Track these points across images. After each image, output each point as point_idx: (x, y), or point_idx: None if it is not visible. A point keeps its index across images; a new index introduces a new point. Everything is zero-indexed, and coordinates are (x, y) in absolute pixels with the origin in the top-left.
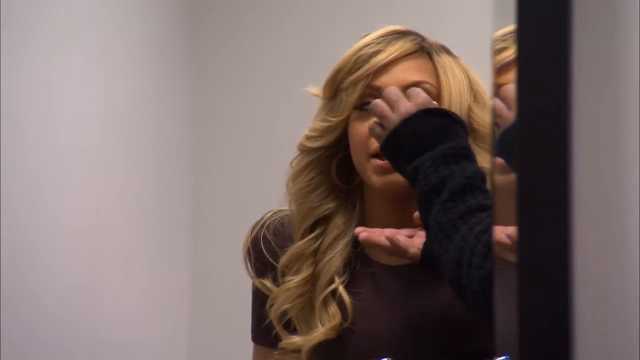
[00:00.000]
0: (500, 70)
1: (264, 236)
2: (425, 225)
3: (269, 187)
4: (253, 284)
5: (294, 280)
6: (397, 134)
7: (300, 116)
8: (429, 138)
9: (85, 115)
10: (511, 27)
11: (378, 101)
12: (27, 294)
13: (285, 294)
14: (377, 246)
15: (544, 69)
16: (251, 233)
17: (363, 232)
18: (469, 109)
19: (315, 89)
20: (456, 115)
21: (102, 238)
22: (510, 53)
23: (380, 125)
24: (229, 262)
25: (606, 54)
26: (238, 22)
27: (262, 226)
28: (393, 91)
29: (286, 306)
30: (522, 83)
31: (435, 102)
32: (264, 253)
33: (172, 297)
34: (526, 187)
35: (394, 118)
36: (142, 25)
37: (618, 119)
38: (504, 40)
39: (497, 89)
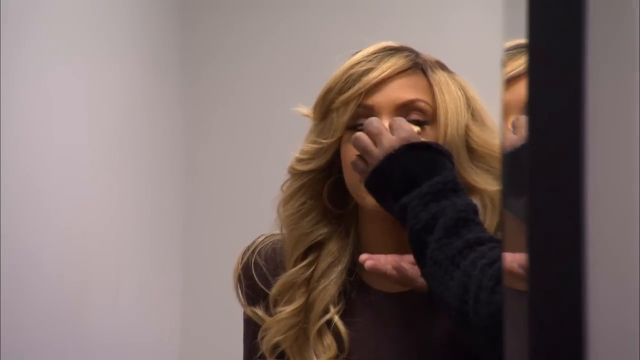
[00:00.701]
0: (509, 81)
1: (256, 262)
2: (418, 264)
3: (262, 203)
4: (244, 312)
5: (286, 310)
6: (381, 171)
7: (296, 127)
8: (415, 174)
9: (75, 119)
10: (521, 39)
11: (360, 135)
12: (20, 295)
13: (277, 325)
14: (383, 275)
15: (557, 84)
16: (242, 259)
17: (369, 260)
18: (467, 127)
19: (306, 109)
20: (441, 147)
21: (92, 247)
22: (518, 64)
23: (364, 160)
24: (220, 277)
25: (623, 68)
26: (231, 26)
27: (253, 252)
28: (375, 124)
29: (279, 338)
30: (533, 100)
31: (420, 137)
32: (256, 280)
33: (164, 304)
34: (537, 212)
35: (377, 154)
36: (134, 30)
37: (636, 137)
38: (512, 53)
39: (505, 105)
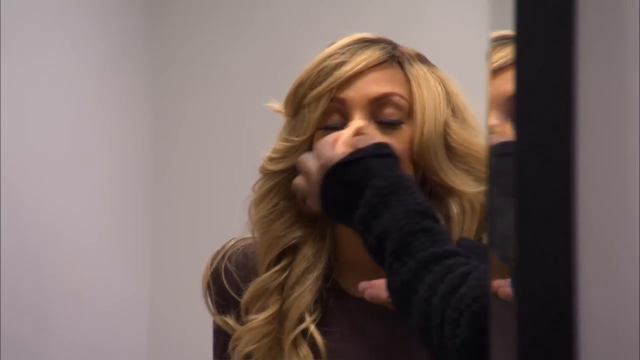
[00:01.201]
0: (495, 72)
1: (226, 268)
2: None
3: (233, 205)
4: (214, 321)
5: (258, 318)
6: (326, 210)
7: (270, 123)
8: (348, 199)
9: (37, 117)
10: (508, 30)
11: (297, 180)
12: None
13: (249, 334)
14: (386, 304)
15: (545, 78)
16: (211, 264)
17: (369, 290)
18: (446, 124)
19: (278, 104)
20: (362, 151)
21: (53, 251)
22: (501, 55)
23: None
24: (189, 283)
25: (615, 61)
26: (200, 18)
27: (223, 257)
28: (301, 162)
29: (251, 348)
30: (520, 95)
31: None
32: (226, 287)
33: (130, 310)
34: (526, 214)
35: (313, 192)
36: (99, 22)
37: (627, 134)
38: (497, 44)
39: (492, 99)
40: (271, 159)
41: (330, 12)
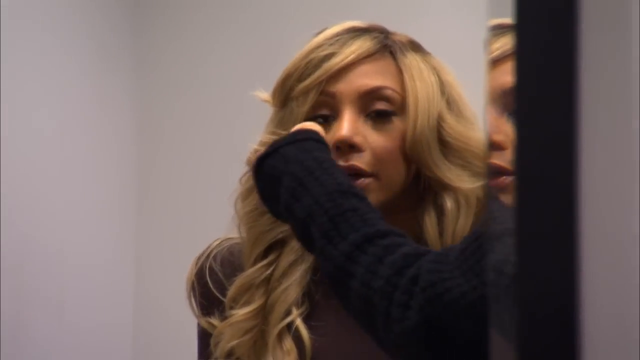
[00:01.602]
0: (493, 63)
1: (210, 267)
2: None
3: (218, 206)
4: (198, 324)
5: (241, 312)
6: (269, 210)
7: (256, 114)
8: (273, 192)
9: (21, 115)
10: (507, 18)
11: None
12: None
13: (231, 329)
14: None
15: (547, 69)
16: (195, 265)
17: None
18: (440, 117)
19: (265, 94)
20: (277, 141)
21: (35, 254)
22: (501, 44)
23: None
24: (175, 283)
25: (621, 52)
26: (184, 24)
27: (207, 256)
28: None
29: (234, 343)
30: (521, 87)
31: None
32: (210, 287)
33: (113, 315)
34: (526, 214)
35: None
36: (84, 29)
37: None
38: (496, 32)
39: (491, 91)
40: (258, 152)
41: (323, 5)
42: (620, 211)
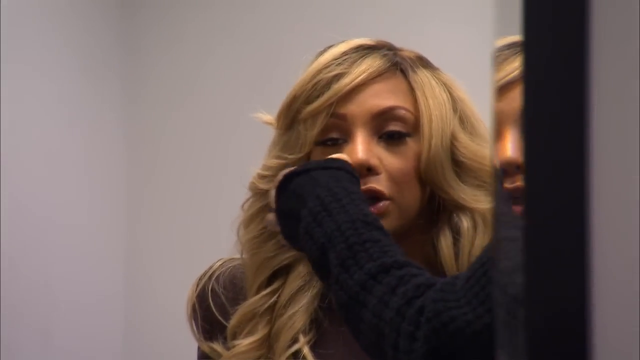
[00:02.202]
0: (503, 88)
1: (213, 289)
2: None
3: (220, 225)
4: (199, 347)
5: (245, 343)
6: (283, 232)
7: (258, 135)
8: (295, 211)
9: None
10: (515, 37)
11: (267, 215)
12: None
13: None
14: None
15: (557, 90)
16: (197, 286)
17: None
18: (453, 136)
19: (267, 116)
20: (311, 162)
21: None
22: (512, 67)
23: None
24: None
25: (632, 69)
26: (179, 24)
27: (209, 277)
28: (270, 195)
29: None
30: (529, 110)
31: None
32: (213, 310)
33: (103, 342)
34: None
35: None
36: (72, 40)
37: None
38: (506, 53)
39: (499, 114)
40: (262, 177)
41: (321, 18)
42: (634, 234)
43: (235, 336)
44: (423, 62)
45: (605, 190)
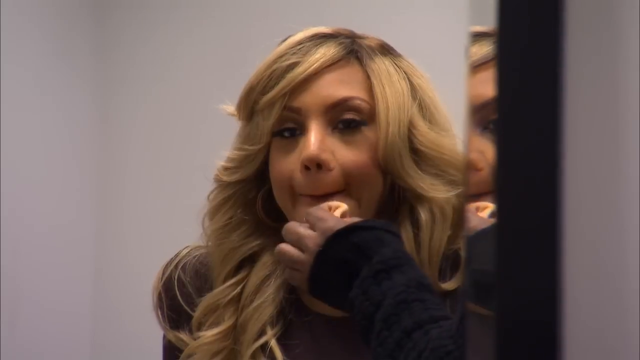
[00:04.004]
0: (474, 68)
1: (179, 279)
2: None
3: (186, 214)
4: (164, 336)
5: (210, 334)
6: (317, 276)
7: (226, 127)
8: (352, 263)
9: None
10: (488, 26)
11: (282, 248)
12: None
13: (200, 351)
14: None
15: (530, 79)
16: (163, 274)
17: None
18: (411, 124)
19: (231, 107)
20: (372, 223)
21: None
22: (479, 48)
23: (297, 269)
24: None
25: (604, 58)
26: (150, 17)
27: (176, 266)
28: (291, 229)
29: None
30: (503, 99)
31: (346, 220)
32: (179, 299)
33: (71, 328)
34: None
35: (306, 259)
36: (44, 26)
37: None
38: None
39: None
40: (226, 169)
41: (294, 7)
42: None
43: (200, 327)
44: (383, 49)
45: (577, 184)
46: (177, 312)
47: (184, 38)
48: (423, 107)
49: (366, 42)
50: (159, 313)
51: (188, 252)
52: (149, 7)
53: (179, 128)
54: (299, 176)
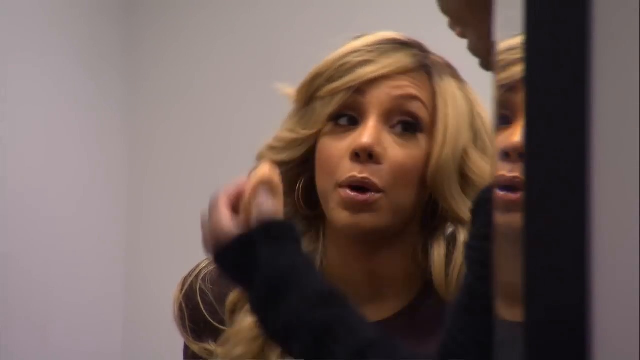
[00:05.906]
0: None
1: (200, 288)
2: None
3: None
4: (186, 347)
5: (247, 320)
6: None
7: (255, 142)
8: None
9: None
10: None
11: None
12: None
13: (237, 337)
14: None
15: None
16: (183, 286)
17: None
18: (464, 151)
19: (289, 88)
20: (253, 232)
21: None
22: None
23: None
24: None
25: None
26: (180, 27)
27: (196, 277)
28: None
29: (239, 352)
30: (531, 112)
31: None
32: (201, 309)
33: (103, 335)
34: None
35: (210, 241)
36: (75, 30)
37: None
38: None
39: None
40: (272, 148)
41: (324, 13)
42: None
43: (234, 312)
44: (452, 72)
45: (606, 187)
46: (199, 323)
47: (214, 42)
48: (477, 136)
49: (437, 59)
50: (181, 324)
51: (208, 263)
52: (178, 12)
53: (209, 137)
54: (345, 163)
